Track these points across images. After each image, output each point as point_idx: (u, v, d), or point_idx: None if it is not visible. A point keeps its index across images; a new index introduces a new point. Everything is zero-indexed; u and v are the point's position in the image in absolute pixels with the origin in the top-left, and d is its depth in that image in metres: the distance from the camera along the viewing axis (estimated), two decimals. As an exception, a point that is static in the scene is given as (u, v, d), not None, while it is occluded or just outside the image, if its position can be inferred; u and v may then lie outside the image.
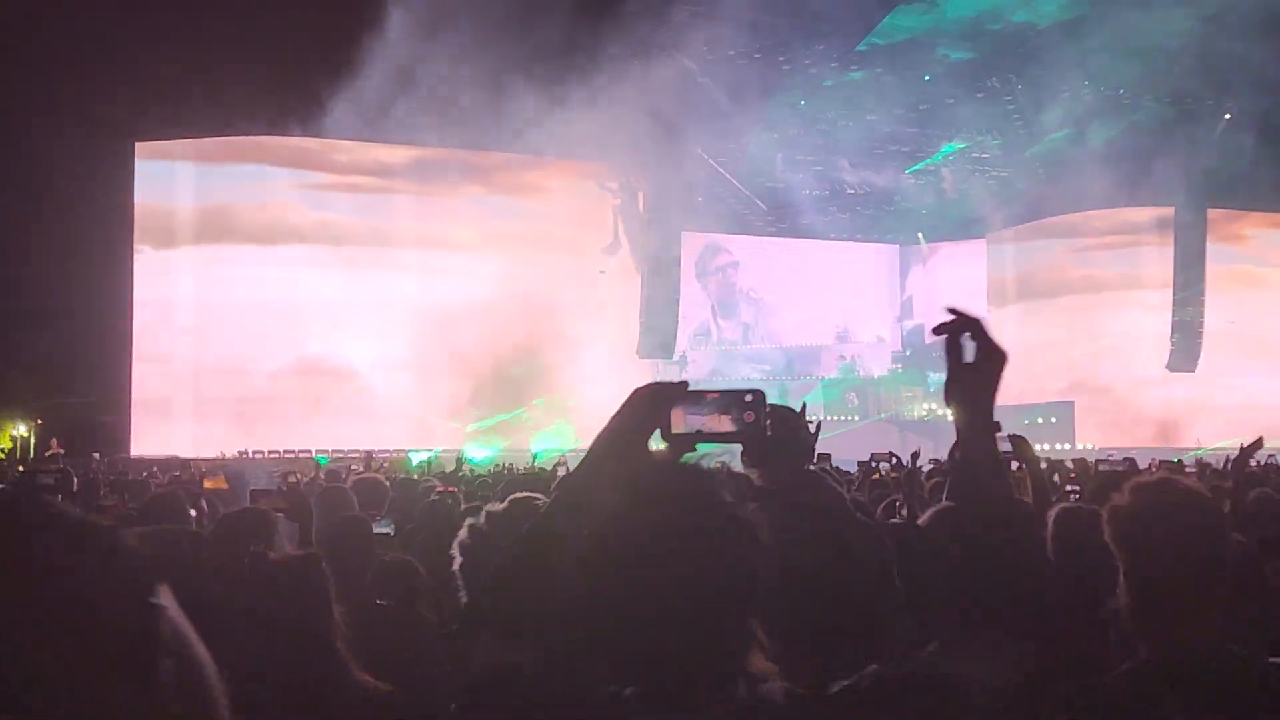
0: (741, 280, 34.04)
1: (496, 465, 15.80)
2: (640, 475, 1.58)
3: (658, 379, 1.90)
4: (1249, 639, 2.46)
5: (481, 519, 2.82)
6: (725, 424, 1.79)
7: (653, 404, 1.79)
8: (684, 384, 1.82)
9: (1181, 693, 2.04)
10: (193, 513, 4.59)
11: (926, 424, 31.97)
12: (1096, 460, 8.19)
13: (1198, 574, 2.11)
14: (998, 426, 4.46)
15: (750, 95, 27.55)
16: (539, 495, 3.09)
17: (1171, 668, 2.08)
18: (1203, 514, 2.17)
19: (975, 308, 1.92)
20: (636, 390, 1.81)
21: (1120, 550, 2.19)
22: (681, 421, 1.78)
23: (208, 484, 5.82)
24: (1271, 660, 2.11)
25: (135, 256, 25.98)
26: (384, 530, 4.55)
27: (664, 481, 1.54)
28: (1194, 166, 28.38)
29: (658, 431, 1.80)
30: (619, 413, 1.80)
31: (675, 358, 30.91)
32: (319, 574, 3.00)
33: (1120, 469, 6.24)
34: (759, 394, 1.82)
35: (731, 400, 1.80)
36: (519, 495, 2.99)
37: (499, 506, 2.89)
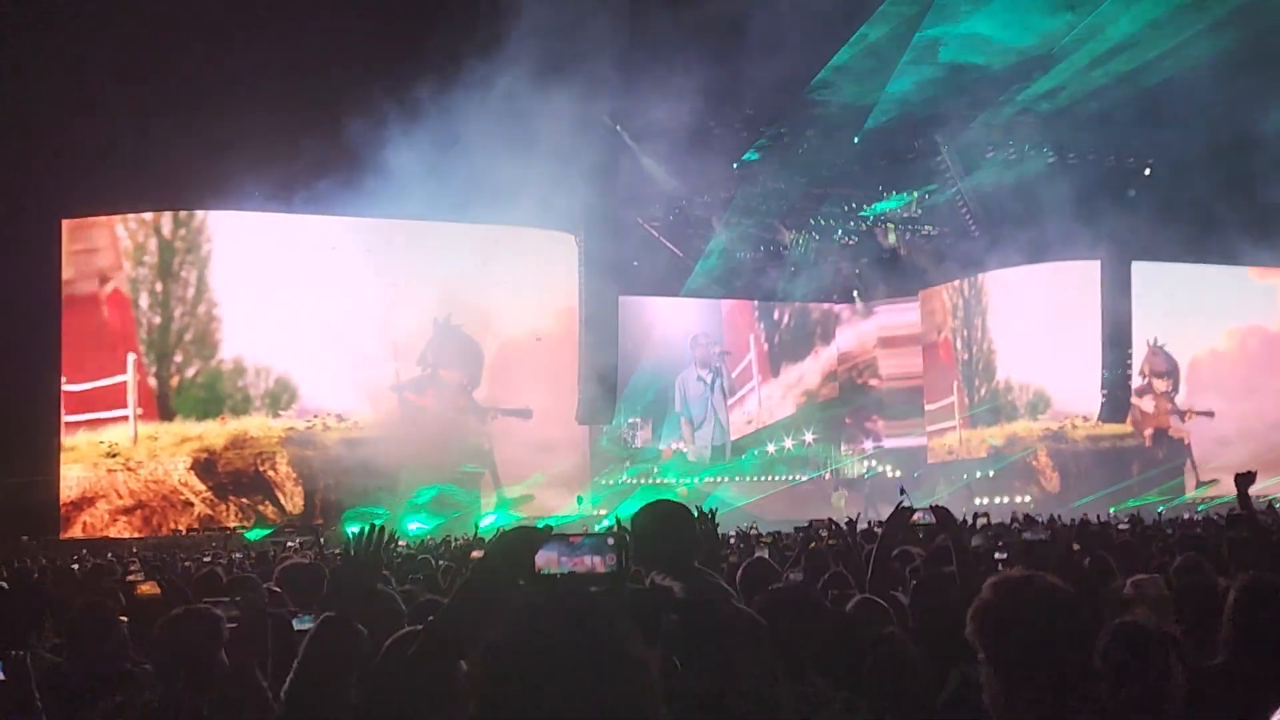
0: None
1: (423, 540, 15.66)
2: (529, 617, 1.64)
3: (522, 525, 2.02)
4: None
5: None
6: (588, 566, 1.87)
7: (518, 546, 1.89)
8: (549, 529, 1.93)
9: None
10: (124, 619, 4.49)
11: (865, 481, 32.18)
12: (1019, 528, 8.26)
13: (1058, 670, 2.18)
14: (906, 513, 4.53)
15: (683, 159, 27.90)
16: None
17: None
18: (1064, 613, 2.23)
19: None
20: (499, 535, 1.96)
21: (982, 644, 2.26)
22: (545, 564, 1.87)
23: (141, 590, 5.61)
24: None
25: (63, 331, 25.62)
26: (305, 627, 4.39)
27: (558, 620, 1.60)
28: (1116, 221, 29.01)
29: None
30: (485, 554, 1.93)
31: (619, 423, 30.80)
32: None
33: (1043, 538, 6.31)
34: (620, 535, 1.92)
35: (595, 544, 1.88)
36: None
37: None
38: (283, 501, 26.32)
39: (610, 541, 1.90)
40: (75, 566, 12.64)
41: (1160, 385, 32.42)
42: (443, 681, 1.81)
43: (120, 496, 25.67)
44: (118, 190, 24.29)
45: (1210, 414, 31.75)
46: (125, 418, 25.92)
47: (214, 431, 26.36)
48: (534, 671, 1.53)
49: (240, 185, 23.69)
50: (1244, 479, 5.81)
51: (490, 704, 1.55)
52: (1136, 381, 32.01)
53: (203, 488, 26.07)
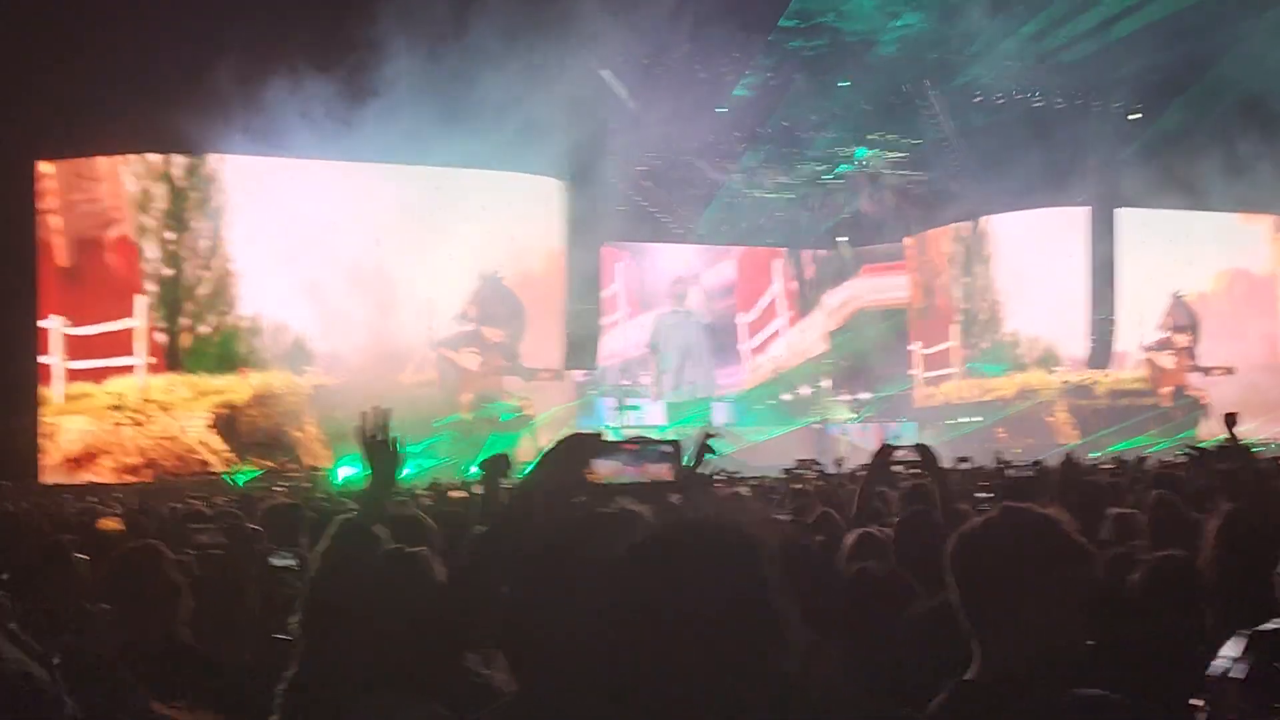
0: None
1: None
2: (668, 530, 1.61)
3: (578, 430, 1.95)
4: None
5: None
6: (643, 474, 1.84)
7: (571, 456, 1.84)
8: (598, 436, 1.87)
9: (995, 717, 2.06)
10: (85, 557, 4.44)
11: (851, 427, 32.24)
12: (1005, 465, 8.26)
13: (1026, 600, 2.10)
14: (889, 451, 4.51)
15: (667, 101, 27.70)
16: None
17: (990, 691, 2.09)
18: (1047, 544, 2.16)
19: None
20: (558, 443, 1.88)
21: (954, 571, 2.19)
22: (601, 473, 1.83)
23: (104, 524, 5.58)
24: (1079, 692, 2.10)
25: (39, 274, 25.07)
26: (285, 563, 4.38)
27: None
28: (1103, 167, 28.95)
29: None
30: (540, 465, 1.86)
31: (597, 369, 30.75)
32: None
33: (1030, 474, 6.32)
34: (675, 444, 1.88)
35: (648, 452, 1.85)
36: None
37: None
38: (313, 465, 25.03)
39: (665, 449, 1.87)
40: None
41: (1181, 340, 32.40)
42: (487, 596, 1.79)
43: (127, 454, 24.69)
44: (100, 132, 23.78)
45: (1231, 370, 31.69)
46: (132, 368, 25.09)
47: (236, 386, 25.49)
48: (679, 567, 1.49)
49: (239, 128, 23.18)
50: (1231, 417, 5.93)
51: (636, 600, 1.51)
52: (1156, 335, 32.06)
53: (223, 447, 25.10)
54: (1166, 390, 32.04)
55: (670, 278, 33.65)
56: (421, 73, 22.48)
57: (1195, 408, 31.29)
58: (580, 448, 1.87)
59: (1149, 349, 32.00)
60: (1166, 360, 32.24)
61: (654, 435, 1.95)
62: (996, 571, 2.11)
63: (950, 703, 2.13)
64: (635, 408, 30.60)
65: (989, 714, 2.07)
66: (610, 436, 1.91)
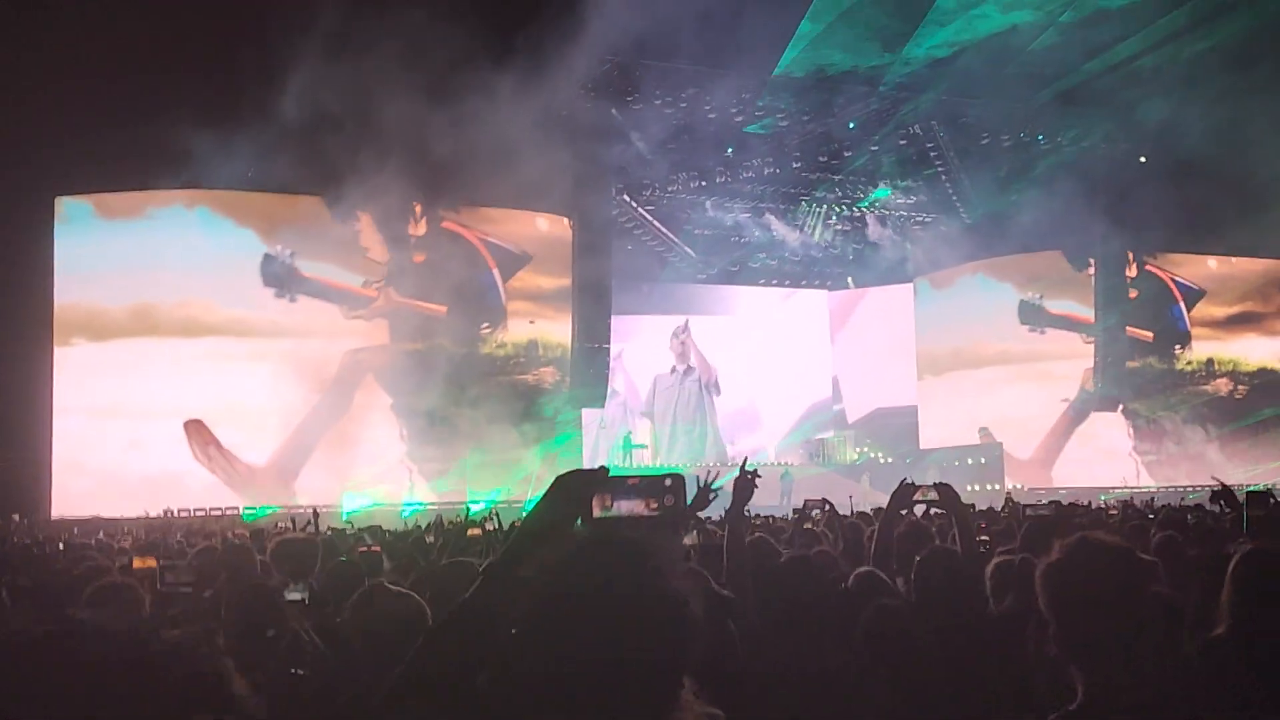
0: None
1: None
2: (574, 551, 1.66)
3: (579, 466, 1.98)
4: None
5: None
6: (644, 509, 1.86)
7: (573, 491, 1.86)
8: (604, 470, 1.89)
9: None
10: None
11: (857, 466, 32.07)
12: (1024, 506, 8.25)
13: (1122, 624, 2.25)
14: (910, 489, 4.50)
15: (675, 142, 27.87)
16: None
17: (1101, 712, 2.21)
18: (1127, 567, 2.32)
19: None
20: (559, 477, 1.88)
21: (1050, 604, 2.34)
22: (602, 507, 1.85)
23: (137, 564, 5.48)
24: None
25: (55, 307, 25.11)
26: (296, 597, 4.36)
27: (598, 557, 1.61)
28: (1112, 210, 28.95)
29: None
30: (543, 499, 1.87)
31: (607, 410, 30.69)
32: None
33: (1046, 514, 6.31)
34: (678, 478, 1.91)
35: (651, 485, 1.87)
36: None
37: None
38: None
39: (667, 483, 1.88)
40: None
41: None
42: (496, 624, 1.81)
43: (138, 488, 23.98)
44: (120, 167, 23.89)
45: None
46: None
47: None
48: (572, 597, 1.55)
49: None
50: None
51: (531, 630, 1.58)
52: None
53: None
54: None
55: (669, 329, 33.83)
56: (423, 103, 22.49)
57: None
58: (582, 482, 1.87)
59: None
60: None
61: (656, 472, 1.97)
62: (1087, 595, 2.27)
63: None
64: (641, 445, 30.67)
65: None
66: (612, 472, 1.94)
